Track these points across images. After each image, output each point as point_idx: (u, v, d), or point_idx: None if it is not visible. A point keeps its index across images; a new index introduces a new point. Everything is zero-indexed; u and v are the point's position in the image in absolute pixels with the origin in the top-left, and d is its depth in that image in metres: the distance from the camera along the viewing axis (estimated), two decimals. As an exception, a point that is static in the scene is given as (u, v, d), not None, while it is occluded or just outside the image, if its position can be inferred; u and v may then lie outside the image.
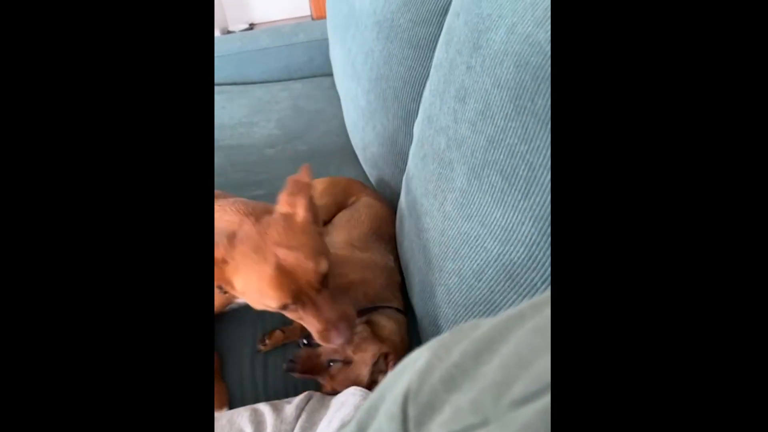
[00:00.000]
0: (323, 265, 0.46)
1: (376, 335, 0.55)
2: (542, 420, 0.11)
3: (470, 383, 0.15)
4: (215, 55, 1.36)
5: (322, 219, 0.53)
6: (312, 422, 0.46)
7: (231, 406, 0.54)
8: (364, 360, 0.51)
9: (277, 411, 0.47)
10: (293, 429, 0.45)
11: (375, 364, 0.51)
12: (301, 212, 0.48)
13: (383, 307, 0.59)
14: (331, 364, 0.52)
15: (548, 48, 0.32)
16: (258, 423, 0.46)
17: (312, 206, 0.50)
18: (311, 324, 0.47)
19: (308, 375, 0.52)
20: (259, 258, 0.44)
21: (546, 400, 0.11)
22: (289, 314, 0.48)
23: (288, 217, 0.47)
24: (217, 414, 0.49)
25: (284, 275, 0.44)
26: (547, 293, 0.17)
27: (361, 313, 0.58)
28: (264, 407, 0.48)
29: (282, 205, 0.49)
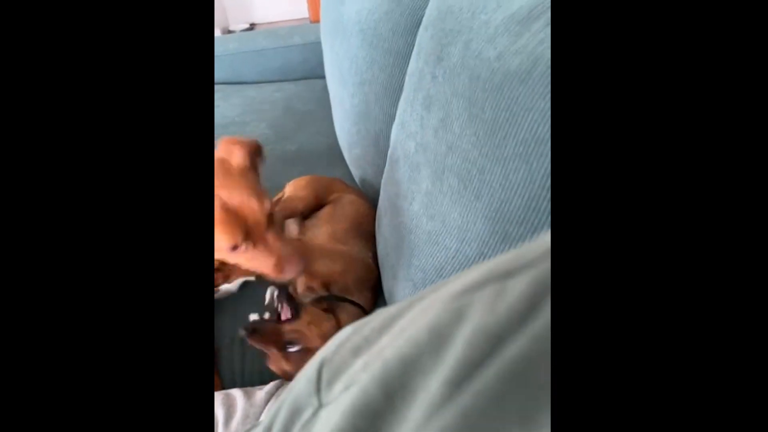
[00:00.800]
0: (267, 204, 0.47)
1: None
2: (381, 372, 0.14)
3: (368, 350, 0.18)
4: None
5: (260, 171, 0.53)
6: (280, 406, 0.48)
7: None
8: (320, 338, 0.53)
9: (248, 396, 0.50)
10: (261, 412, 0.48)
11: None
12: (237, 158, 0.48)
13: (343, 299, 0.62)
14: (289, 346, 0.53)
15: (496, 65, 0.35)
16: (229, 406, 0.49)
17: (252, 156, 0.50)
18: (264, 260, 0.48)
19: (263, 345, 0.53)
20: None
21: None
22: (240, 257, 0.49)
23: (224, 162, 0.48)
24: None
25: (231, 215, 0.45)
26: (453, 276, 0.20)
27: (327, 302, 0.60)
28: (236, 392, 0.51)
29: (219, 151, 0.49)
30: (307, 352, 0.54)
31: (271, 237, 0.48)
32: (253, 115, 1.21)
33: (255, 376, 0.61)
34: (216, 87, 1.37)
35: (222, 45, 1.42)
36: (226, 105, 1.26)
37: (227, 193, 0.45)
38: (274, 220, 0.49)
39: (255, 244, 0.47)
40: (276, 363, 0.54)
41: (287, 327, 0.54)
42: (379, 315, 0.20)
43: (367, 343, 0.18)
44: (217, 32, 2.76)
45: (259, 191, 0.47)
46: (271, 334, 0.53)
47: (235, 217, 0.45)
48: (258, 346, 0.54)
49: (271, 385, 0.53)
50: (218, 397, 0.50)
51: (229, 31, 2.85)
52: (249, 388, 0.54)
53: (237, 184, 0.46)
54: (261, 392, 0.52)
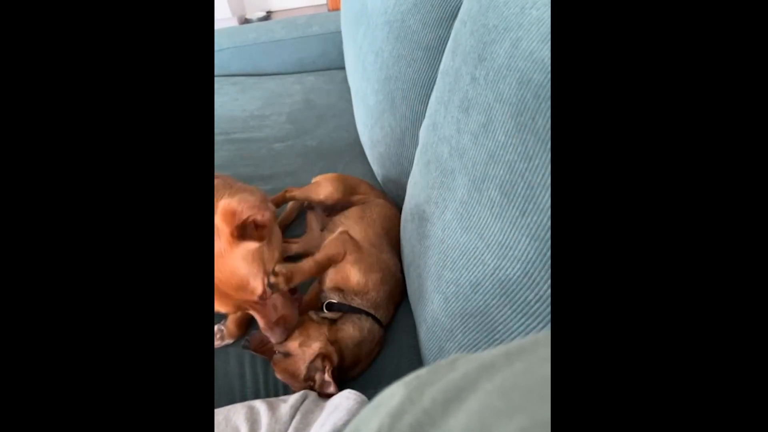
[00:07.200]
0: (257, 290, 0.49)
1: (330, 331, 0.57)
2: None
3: (435, 430, 0.15)
4: (230, 46, 1.37)
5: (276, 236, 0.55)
6: (306, 423, 0.47)
7: (230, 401, 0.55)
8: (302, 356, 0.54)
9: (272, 410, 0.48)
10: (287, 429, 0.46)
11: (312, 362, 0.54)
12: (227, 232, 0.48)
13: (360, 311, 0.59)
14: (276, 352, 0.57)
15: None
16: (253, 421, 0.47)
17: (248, 227, 0.50)
18: (258, 320, 0.53)
19: (260, 354, 0.59)
20: None
21: None
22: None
23: (219, 236, 0.48)
24: (215, 410, 0.50)
25: (220, 292, 0.49)
26: (521, 340, 0.17)
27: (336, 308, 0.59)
28: (260, 405, 0.49)
29: (218, 216, 0.49)
30: (287, 357, 0.56)
31: (262, 308, 0.52)
32: (273, 108, 1.19)
33: (279, 382, 0.59)
34: (235, 79, 1.35)
35: (240, 36, 1.39)
36: (245, 98, 1.24)
37: (218, 273, 0.48)
38: (267, 294, 0.51)
39: (248, 310, 0.52)
40: (274, 367, 0.58)
41: (277, 346, 0.57)
42: (438, 377, 0.17)
43: (431, 420, 0.15)
44: (234, 21, 2.73)
45: (249, 274, 0.49)
46: (261, 343, 0.58)
47: (225, 294, 0.49)
48: (257, 354, 0.59)
49: (295, 397, 0.51)
50: (242, 410, 0.49)
51: (246, 20, 2.81)
52: (272, 400, 0.52)
53: (226, 267, 0.48)
54: (285, 405, 0.50)
